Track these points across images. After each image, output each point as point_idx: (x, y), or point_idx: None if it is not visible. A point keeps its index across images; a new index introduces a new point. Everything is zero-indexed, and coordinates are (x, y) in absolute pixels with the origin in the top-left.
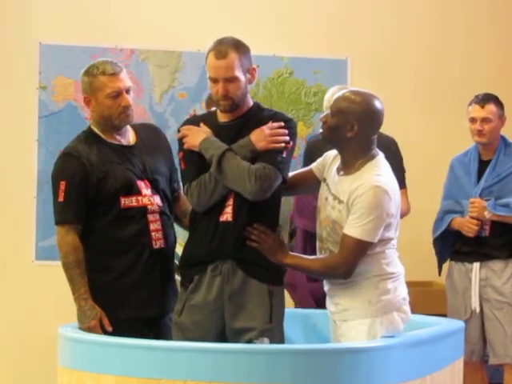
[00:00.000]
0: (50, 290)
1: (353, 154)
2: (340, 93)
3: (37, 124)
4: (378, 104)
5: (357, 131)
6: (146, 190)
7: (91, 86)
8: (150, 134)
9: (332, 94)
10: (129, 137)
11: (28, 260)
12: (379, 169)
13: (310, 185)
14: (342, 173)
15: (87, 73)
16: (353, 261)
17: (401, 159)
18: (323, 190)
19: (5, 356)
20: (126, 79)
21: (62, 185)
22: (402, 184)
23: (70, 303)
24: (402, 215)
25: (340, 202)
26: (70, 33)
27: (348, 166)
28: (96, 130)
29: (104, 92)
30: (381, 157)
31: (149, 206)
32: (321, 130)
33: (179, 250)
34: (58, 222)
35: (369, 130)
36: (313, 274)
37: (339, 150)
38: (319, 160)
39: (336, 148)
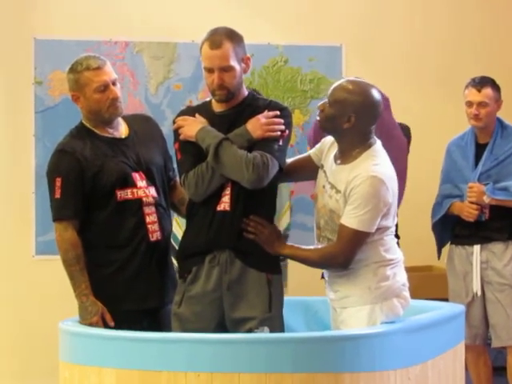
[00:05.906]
0: (51, 285)
1: (350, 143)
2: (338, 82)
3: (33, 119)
4: (375, 95)
5: (354, 123)
6: (140, 181)
7: (77, 83)
8: (142, 125)
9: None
10: (121, 129)
11: (28, 255)
12: (376, 158)
13: (309, 171)
14: (339, 161)
15: (72, 70)
16: (350, 251)
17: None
18: (321, 178)
19: (6, 351)
20: (110, 71)
21: (58, 181)
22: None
23: (71, 297)
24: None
25: (337, 191)
26: (65, 27)
27: (345, 155)
28: (88, 125)
29: (91, 87)
30: (378, 145)
31: (144, 199)
32: (318, 118)
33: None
34: (56, 219)
35: (366, 122)
36: (311, 264)
37: (336, 139)
38: (317, 146)
39: (333, 136)
